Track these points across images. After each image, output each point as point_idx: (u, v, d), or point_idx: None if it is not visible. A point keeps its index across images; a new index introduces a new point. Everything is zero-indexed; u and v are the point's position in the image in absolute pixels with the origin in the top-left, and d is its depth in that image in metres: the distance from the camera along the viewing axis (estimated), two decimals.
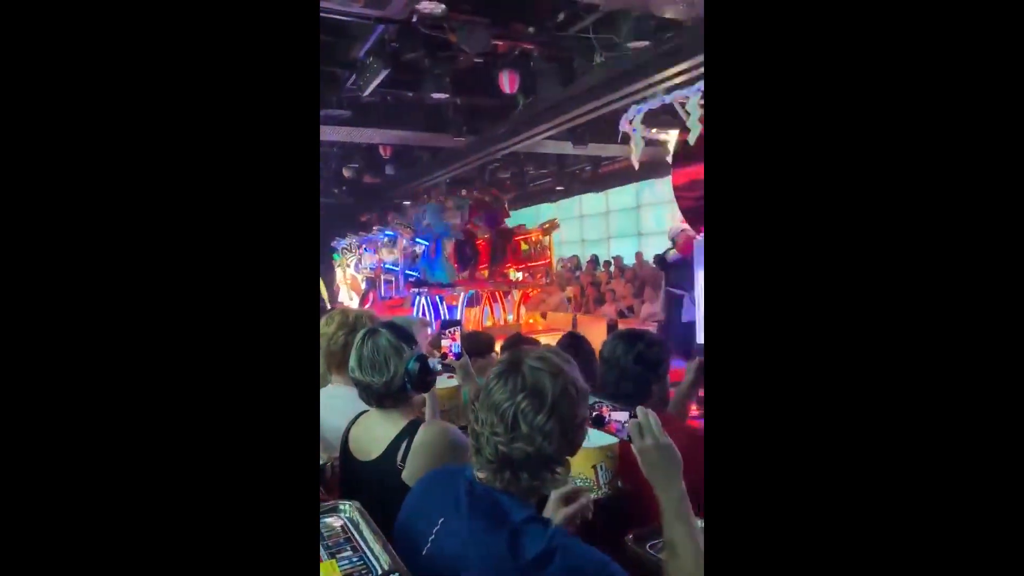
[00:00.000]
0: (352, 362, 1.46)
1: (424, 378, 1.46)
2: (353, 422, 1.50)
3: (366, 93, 5.07)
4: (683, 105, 3.36)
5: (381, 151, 8.06)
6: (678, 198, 3.96)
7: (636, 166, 4.26)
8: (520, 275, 8.22)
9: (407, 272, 8.23)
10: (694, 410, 1.82)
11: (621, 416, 1.14)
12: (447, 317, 7.13)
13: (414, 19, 4.14)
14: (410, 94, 5.65)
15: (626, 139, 3.96)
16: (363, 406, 1.51)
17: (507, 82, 5.13)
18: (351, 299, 10.30)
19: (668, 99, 3.56)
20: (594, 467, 1.45)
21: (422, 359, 1.46)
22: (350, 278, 10.69)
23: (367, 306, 8.28)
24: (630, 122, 3.87)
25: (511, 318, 7.81)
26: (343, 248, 10.80)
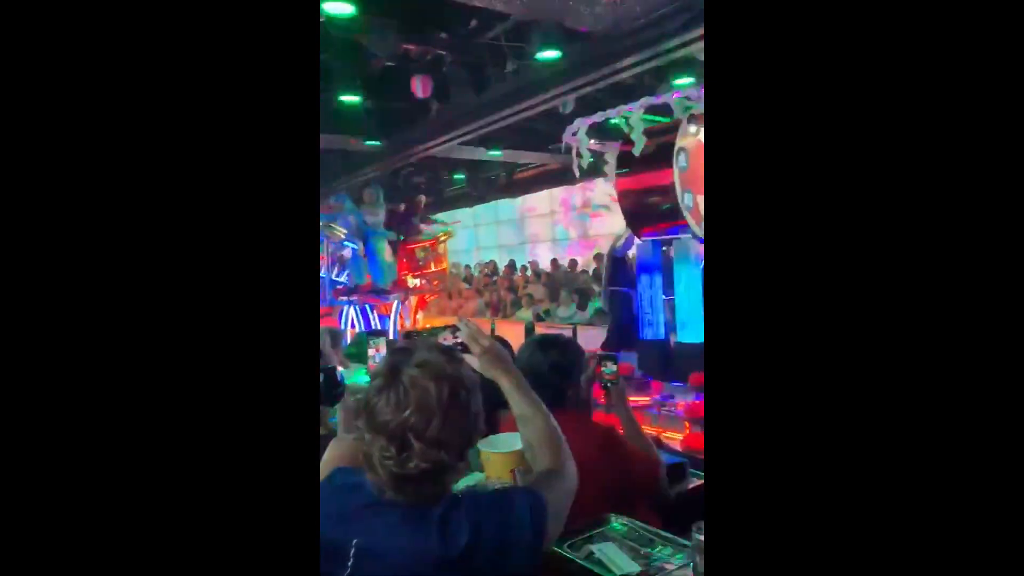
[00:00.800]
0: None
1: (331, 391, 1.41)
2: None
3: None
4: (627, 119, 3.61)
5: None
6: (620, 202, 4.17)
7: (577, 174, 4.49)
8: (417, 281, 8.23)
9: (334, 280, 7.49)
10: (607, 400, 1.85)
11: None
12: (378, 327, 6.70)
13: (322, 20, 4.02)
14: (319, 96, 5.49)
15: (569, 149, 4.14)
16: None
17: (420, 87, 5.09)
18: None
19: (611, 113, 3.78)
20: (512, 472, 1.46)
21: (328, 371, 1.41)
22: None
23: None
24: (574, 134, 4.06)
25: (408, 324, 7.75)
26: None
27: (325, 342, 1.51)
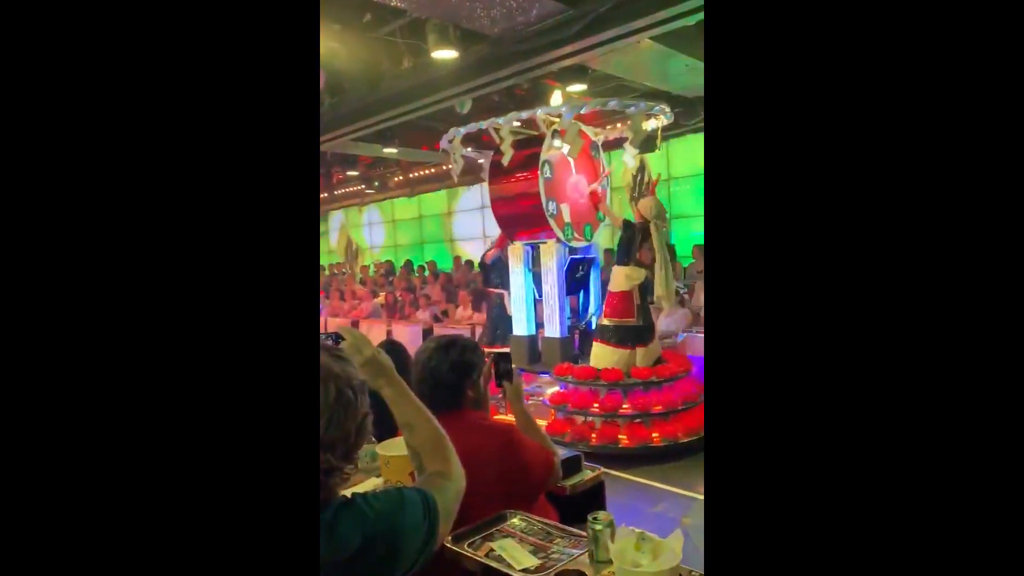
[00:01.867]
0: None
1: None
2: None
3: None
4: (497, 131, 3.85)
5: None
6: (493, 208, 4.50)
7: (456, 180, 4.60)
8: None
9: None
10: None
11: None
12: None
13: None
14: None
15: (445, 156, 4.37)
16: None
17: None
18: None
19: (484, 125, 4.02)
20: (411, 474, 1.44)
21: None
22: None
23: None
24: (450, 141, 4.26)
25: None
26: None
27: None
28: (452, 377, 1.59)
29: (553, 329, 4.35)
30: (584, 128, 4.18)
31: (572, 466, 1.84)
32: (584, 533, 1.28)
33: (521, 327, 4.54)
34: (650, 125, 4.34)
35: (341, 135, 6.12)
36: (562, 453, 1.78)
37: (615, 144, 4.78)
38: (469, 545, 1.34)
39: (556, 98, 4.82)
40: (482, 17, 4.01)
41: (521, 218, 4.27)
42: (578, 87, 4.94)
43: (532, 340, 4.49)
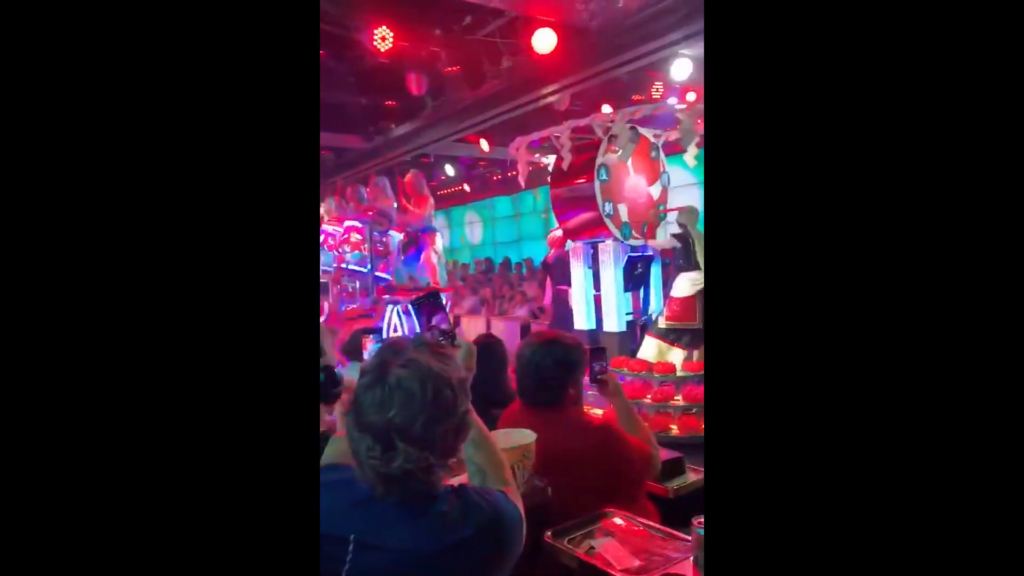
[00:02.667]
0: None
1: (329, 389, 1.41)
2: None
3: None
4: (557, 138, 4.18)
5: None
6: (555, 211, 4.81)
7: (523, 184, 5.49)
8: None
9: (378, 277, 6.07)
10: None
11: None
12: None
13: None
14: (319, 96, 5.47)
15: (514, 163, 4.77)
16: None
17: (415, 83, 5.08)
18: None
19: (543, 134, 4.40)
20: (511, 467, 1.46)
21: (327, 370, 1.41)
22: None
23: (322, 318, 5.87)
24: (516, 149, 4.59)
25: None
26: None
27: (325, 340, 1.50)
28: (555, 374, 1.59)
29: (612, 324, 4.55)
30: (643, 131, 4.34)
31: (674, 468, 1.79)
32: (687, 537, 1.24)
33: (581, 322, 4.79)
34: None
35: (444, 137, 6.29)
36: (664, 455, 1.74)
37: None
38: (569, 541, 1.34)
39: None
40: (581, 12, 3.98)
41: (580, 219, 4.56)
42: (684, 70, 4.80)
43: (592, 334, 4.67)
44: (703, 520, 1.18)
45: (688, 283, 3.84)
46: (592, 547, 1.32)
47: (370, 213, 5.98)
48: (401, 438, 0.90)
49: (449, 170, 9.52)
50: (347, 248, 6.20)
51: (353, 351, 2.01)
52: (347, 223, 6.23)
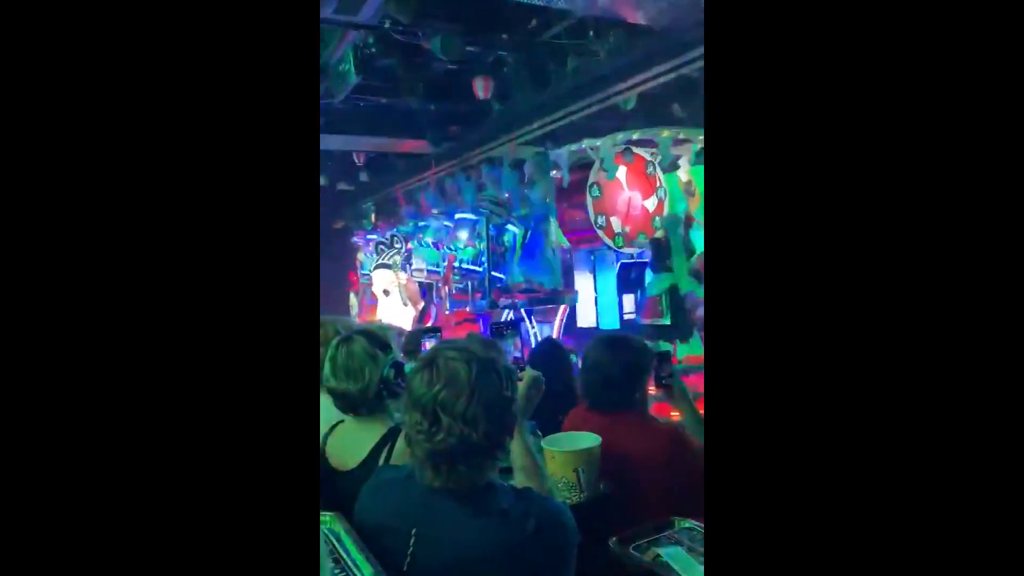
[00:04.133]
0: (326, 370, 1.44)
1: (401, 385, 1.44)
2: (329, 432, 1.48)
3: (338, 100, 5.03)
4: (595, 150, 4.73)
5: (355, 158, 7.98)
6: (559, 222, 5.25)
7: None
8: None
9: (494, 276, 5.28)
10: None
11: None
12: (539, 339, 4.74)
13: (386, 25, 4.12)
14: (383, 100, 5.62)
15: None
16: (338, 415, 1.48)
17: (481, 88, 5.14)
18: (406, 310, 6.54)
19: (584, 145, 4.91)
20: (575, 470, 1.45)
21: (398, 365, 1.45)
22: (405, 281, 6.64)
23: (428, 324, 5.44)
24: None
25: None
26: (377, 243, 6.95)
27: (392, 339, 1.55)
28: (621, 377, 1.57)
29: (608, 322, 5.28)
30: (638, 151, 4.90)
31: None
32: None
33: (584, 321, 5.52)
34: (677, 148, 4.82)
35: (509, 139, 6.33)
36: None
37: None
38: (634, 548, 1.31)
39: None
40: (649, 10, 3.92)
41: (578, 230, 5.17)
42: None
43: (592, 331, 5.29)
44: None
45: (655, 284, 4.23)
46: (658, 555, 1.29)
47: (483, 203, 5.14)
48: (446, 413, 0.94)
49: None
50: (460, 244, 5.41)
51: (412, 351, 2.06)
52: (458, 216, 5.46)
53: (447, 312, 5.82)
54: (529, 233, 5.10)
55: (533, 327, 4.81)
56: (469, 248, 5.46)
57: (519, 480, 1.22)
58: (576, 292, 5.72)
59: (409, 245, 6.51)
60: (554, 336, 5.02)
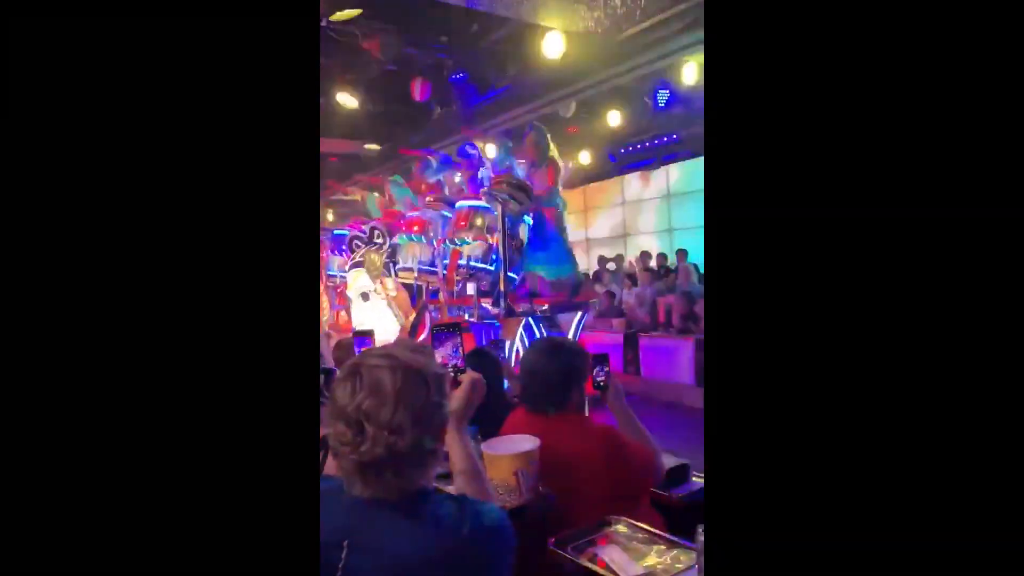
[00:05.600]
0: None
1: (325, 395, 1.42)
2: None
3: None
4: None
5: None
6: None
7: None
8: None
9: (510, 276, 4.30)
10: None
11: None
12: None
13: (324, 24, 4.04)
14: (320, 100, 5.52)
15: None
16: None
17: (419, 90, 5.10)
18: (396, 322, 4.94)
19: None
20: (515, 473, 1.45)
21: (327, 372, 1.42)
22: (393, 289, 5.05)
23: (421, 338, 4.36)
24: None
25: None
26: (352, 238, 5.48)
27: (323, 343, 1.51)
28: (559, 380, 1.59)
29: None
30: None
31: (679, 475, 1.78)
32: (692, 544, 1.23)
33: None
34: None
35: (450, 143, 6.32)
36: (670, 462, 1.73)
37: None
38: (572, 549, 1.33)
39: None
40: (587, 19, 4.00)
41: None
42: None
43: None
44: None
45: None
46: (595, 555, 1.31)
47: (500, 187, 3.89)
48: (371, 423, 0.92)
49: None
50: (467, 238, 4.21)
51: (345, 358, 2.01)
52: (459, 205, 4.26)
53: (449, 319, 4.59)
54: (532, 218, 4.19)
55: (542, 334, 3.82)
56: (478, 243, 4.23)
57: (459, 485, 1.20)
58: (602, 294, 5.25)
59: (395, 239, 5.11)
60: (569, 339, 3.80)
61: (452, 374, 1.22)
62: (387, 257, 5.05)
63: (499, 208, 3.91)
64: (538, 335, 3.75)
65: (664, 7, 3.85)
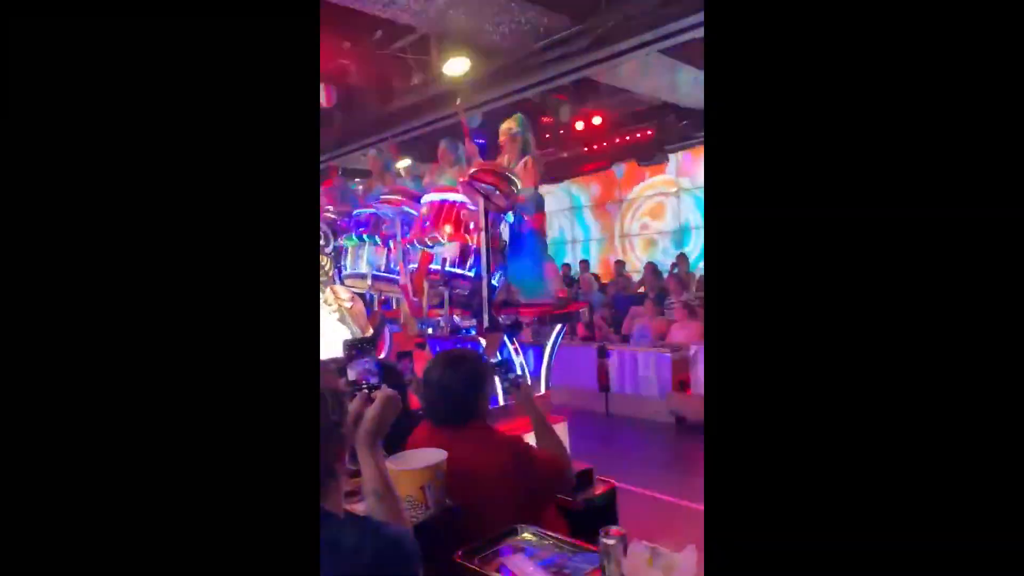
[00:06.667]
0: None
1: None
2: None
3: None
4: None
5: None
6: None
7: None
8: None
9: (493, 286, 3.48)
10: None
11: None
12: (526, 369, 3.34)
13: None
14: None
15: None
16: None
17: (323, 96, 4.97)
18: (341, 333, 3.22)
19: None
20: (421, 488, 1.44)
21: None
22: (347, 297, 3.35)
23: (382, 355, 3.66)
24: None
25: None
26: None
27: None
28: (463, 392, 1.59)
29: None
30: None
31: (583, 480, 1.83)
32: (596, 548, 1.26)
33: None
34: None
35: (354, 149, 6.18)
36: (575, 466, 1.77)
37: None
38: (480, 560, 1.33)
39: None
40: (491, 33, 4.05)
41: None
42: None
43: None
44: (609, 530, 1.21)
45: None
46: (501, 565, 1.32)
47: (485, 177, 3.06)
48: None
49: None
50: (443, 240, 3.42)
51: None
52: (428, 199, 3.47)
53: (415, 335, 3.75)
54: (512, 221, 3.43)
55: (517, 353, 3.29)
56: (454, 244, 3.45)
57: (370, 504, 1.16)
58: (588, 304, 4.74)
59: (341, 240, 4.10)
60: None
61: (367, 391, 1.18)
62: (332, 260, 4.08)
63: (481, 202, 3.16)
64: (513, 351, 3.29)
65: (567, 26, 3.98)
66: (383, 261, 3.87)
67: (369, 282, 3.84)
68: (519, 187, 3.21)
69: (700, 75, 4.82)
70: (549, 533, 1.45)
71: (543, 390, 3.47)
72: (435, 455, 1.46)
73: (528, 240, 3.41)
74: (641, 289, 6.76)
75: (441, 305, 3.45)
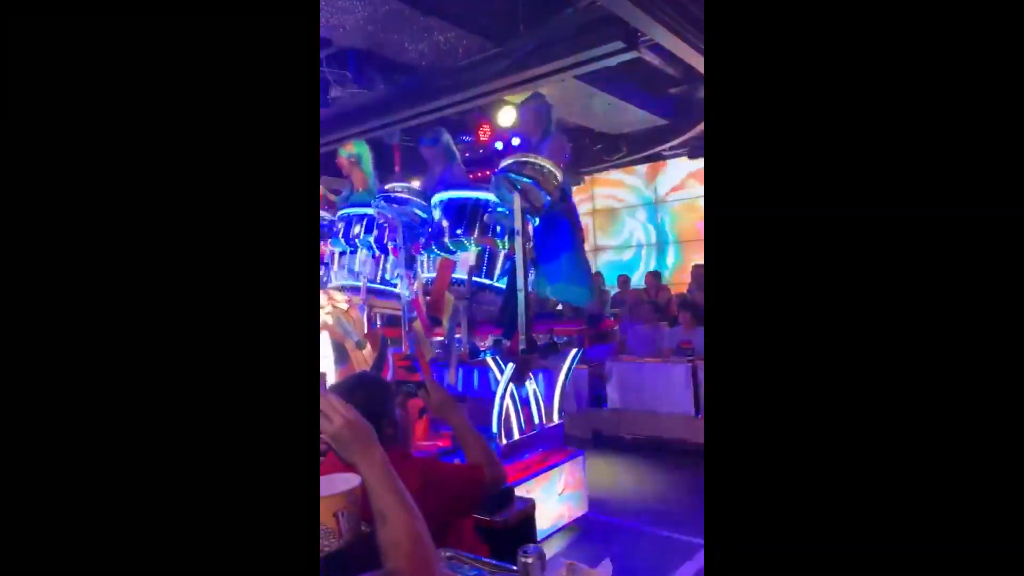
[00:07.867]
0: None
1: None
2: None
3: None
4: None
5: None
6: None
7: None
8: None
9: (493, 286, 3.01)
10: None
11: None
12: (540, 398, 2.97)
13: None
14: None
15: None
16: None
17: None
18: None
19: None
20: (334, 515, 1.39)
21: None
22: (342, 300, 2.88)
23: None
24: None
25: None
26: None
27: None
28: (366, 416, 1.55)
29: None
30: None
31: (502, 499, 1.83)
32: (515, 567, 1.26)
33: None
34: None
35: None
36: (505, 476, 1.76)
37: None
38: None
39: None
40: (410, 51, 4.05)
41: None
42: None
43: None
44: (527, 548, 1.21)
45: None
46: None
47: (523, 170, 2.67)
48: None
49: None
50: (469, 244, 2.93)
51: None
52: (443, 197, 3.05)
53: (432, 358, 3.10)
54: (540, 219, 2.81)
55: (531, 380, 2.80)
56: (480, 247, 2.85)
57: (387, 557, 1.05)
58: (620, 323, 3.98)
59: (328, 245, 3.47)
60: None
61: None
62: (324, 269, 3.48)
63: (517, 199, 2.51)
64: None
65: (487, 48, 4.04)
66: (368, 269, 3.16)
67: (363, 295, 3.01)
68: (559, 179, 2.62)
69: (615, 101, 5.02)
70: (467, 554, 1.43)
71: (556, 419, 3.01)
72: (349, 480, 1.42)
73: (563, 228, 2.65)
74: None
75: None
